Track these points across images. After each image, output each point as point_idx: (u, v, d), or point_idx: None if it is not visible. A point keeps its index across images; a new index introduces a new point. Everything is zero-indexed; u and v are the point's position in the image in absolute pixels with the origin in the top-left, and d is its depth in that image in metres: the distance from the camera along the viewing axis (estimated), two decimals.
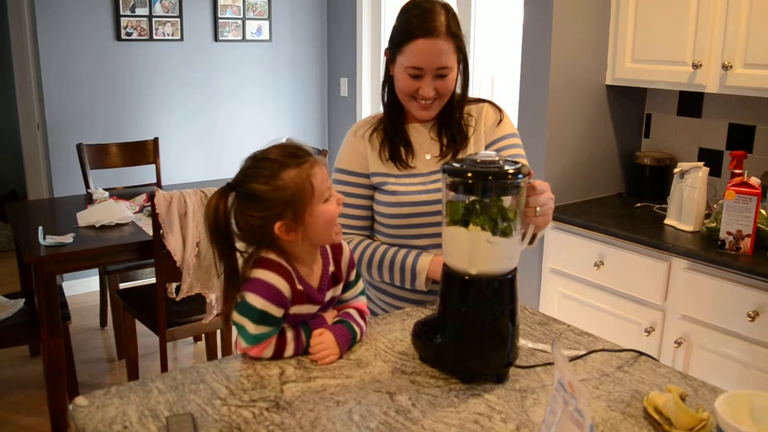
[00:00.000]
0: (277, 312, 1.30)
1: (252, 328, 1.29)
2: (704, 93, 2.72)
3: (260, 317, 1.28)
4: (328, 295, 1.39)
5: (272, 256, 1.31)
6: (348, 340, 1.36)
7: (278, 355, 1.33)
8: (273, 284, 1.28)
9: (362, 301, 1.49)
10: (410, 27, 1.58)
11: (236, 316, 1.30)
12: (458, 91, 1.69)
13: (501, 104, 1.79)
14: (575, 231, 2.71)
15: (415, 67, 1.59)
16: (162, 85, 4.41)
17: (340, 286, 1.43)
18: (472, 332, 1.26)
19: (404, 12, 1.63)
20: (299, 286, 1.32)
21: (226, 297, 1.31)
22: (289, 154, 1.28)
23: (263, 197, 1.26)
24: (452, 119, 1.70)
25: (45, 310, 2.61)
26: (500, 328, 1.25)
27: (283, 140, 1.31)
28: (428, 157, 1.71)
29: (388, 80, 1.70)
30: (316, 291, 1.36)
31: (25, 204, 3.65)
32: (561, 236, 2.77)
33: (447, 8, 1.61)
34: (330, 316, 1.42)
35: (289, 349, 1.33)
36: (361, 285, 1.49)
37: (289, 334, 1.34)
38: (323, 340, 1.33)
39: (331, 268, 1.40)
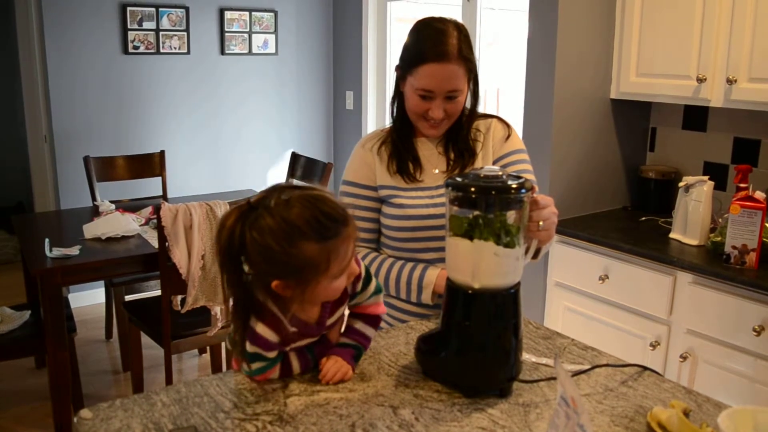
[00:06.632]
0: (270, 354, 1.27)
1: (250, 366, 1.27)
2: (709, 107, 2.72)
3: (255, 358, 1.26)
4: (331, 320, 1.35)
5: (268, 302, 1.21)
6: (355, 357, 1.35)
7: (285, 375, 1.31)
8: (261, 335, 1.24)
9: (376, 302, 1.40)
10: (422, 49, 1.57)
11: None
12: (467, 106, 1.69)
13: (507, 118, 1.80)
14: (580, 245, 2.71)
15: (426, 89, 1.59)
16: (168, 98, 4.44)
17: (344, 306, 1.38)
18: (476, 347, 1.26)
19: (416, 32, 1.62)
20: (292, 329, 1.26)
21: (236, 325, 1.23)
22: (318, 223, 1.11)
23: (271, 252, 1.11)
24: (460, 135, 1.71)
25: (51, 322, 2.61)
26: (503, 343, 1.25)
27: (317, 186, 1.19)
28: (436, 171, 1.71)
29: (398, 96, 1.71)
30: (314, 326, 1.31)
31: (32, 216, 3.67)
32: (566, 250, 2.76)
33: (459, 28, 1.59)
34: (335, 333, 1.39)
35: (295, 368, 1.32)
36: (372, 287, 1.38)
37: (295, 362, 1.32)
38: (335, 362, 1.31)
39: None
